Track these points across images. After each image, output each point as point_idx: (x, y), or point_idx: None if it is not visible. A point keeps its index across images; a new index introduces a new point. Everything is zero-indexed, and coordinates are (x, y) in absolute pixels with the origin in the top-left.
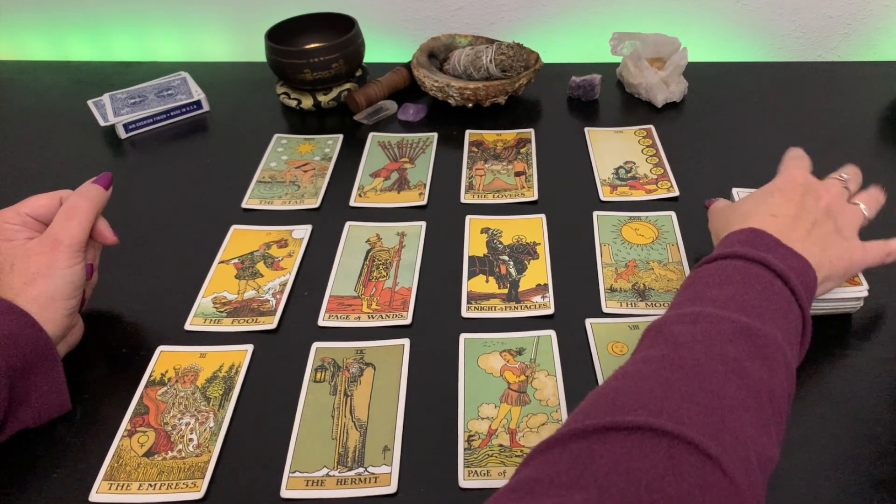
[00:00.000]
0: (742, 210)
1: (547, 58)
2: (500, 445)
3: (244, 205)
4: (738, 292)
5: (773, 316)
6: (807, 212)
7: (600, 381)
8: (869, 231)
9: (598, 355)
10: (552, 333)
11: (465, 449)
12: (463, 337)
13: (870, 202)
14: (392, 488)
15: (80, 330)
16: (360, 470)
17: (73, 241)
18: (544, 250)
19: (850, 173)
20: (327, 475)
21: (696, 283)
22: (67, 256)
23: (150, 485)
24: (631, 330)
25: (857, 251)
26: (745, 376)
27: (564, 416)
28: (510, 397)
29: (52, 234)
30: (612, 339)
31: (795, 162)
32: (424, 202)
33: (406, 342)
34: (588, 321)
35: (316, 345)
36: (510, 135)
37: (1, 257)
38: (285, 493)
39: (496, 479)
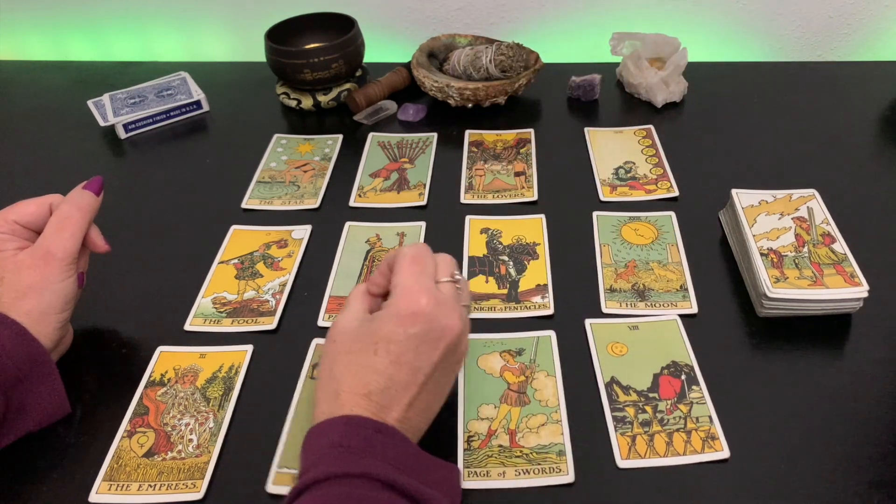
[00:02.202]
0: (334, 373)
1: (547, 58)
2: (500, 446)
3: (244, 205)
4: None
5: None
6: (417, 374)
7: (600, 381)
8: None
9: (597, 356)
10: (552, 334)
11: (464, 449)
12: None
13: (469, 296)
14: None
15: (70, 336)
16: None
17: (66, 255)
18: (544, 250)
19: (448, 264)
20: None
21: None
22: (60, 270)
23: (150, 485)
24: (631, 330)
25: (460, 364)
26: None
27: (564, 416)
28: (510, 398)
29: (44, 247)
30: (611, 340)
31: (410, 283)
32: (424, 202)
33: None
34: (588, 321)
35: (316, 341)
36: (510, 135)
37: None
38: (271, 489)
39: (496, 480)
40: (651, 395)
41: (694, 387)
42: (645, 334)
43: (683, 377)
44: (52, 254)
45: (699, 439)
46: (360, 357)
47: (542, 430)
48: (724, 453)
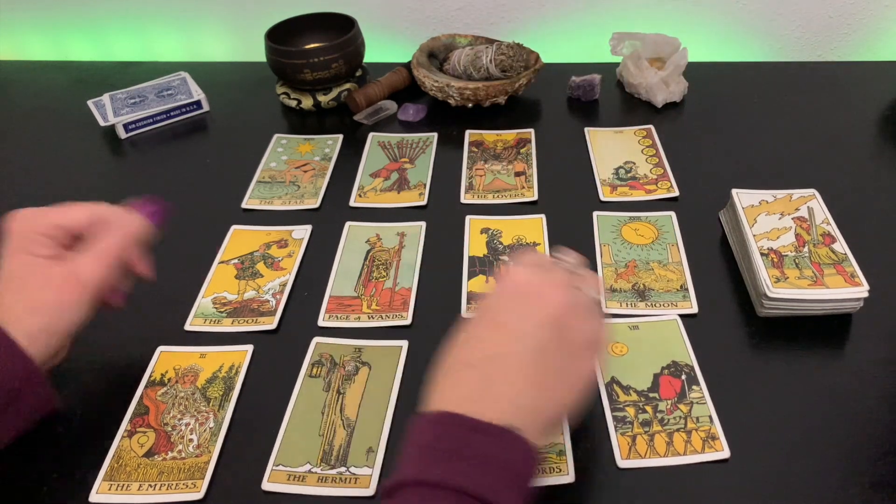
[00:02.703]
0: (446, 356)
1: (547, 58)
2: None
3: (244, 205)
4: None
5: None
6: (523, 340)
7: (600, 381)
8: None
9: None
10: None
11: None
12: None
13: (594, 281)
14: (370, 491)
15: (66, 350)
16: (342, 469)
17: (96, 287)
18: (544, 250)
19: (573, 257)
20: (309, 471)
21: None
22: (83, 298)
23: (150, 485)
24: (631, 330)
25: (589, 362)
26: None
27: (565, 425)
28: None
29: (77, 272)
30: (612, 340)
31: (512, 266)
32: (424, 202)
33: (404, 343)
34: None
35: (316, 339)
36: (510, 135)
37: (14, 271)
38: (266, 486)
39: None
40: (651, 394)
41: (694, 387)
42: (645, 334)
43: (684, 377)
44: (84, 284)
45: (699, 439)
46: (468, 332)
47: None
48: (725, 453)
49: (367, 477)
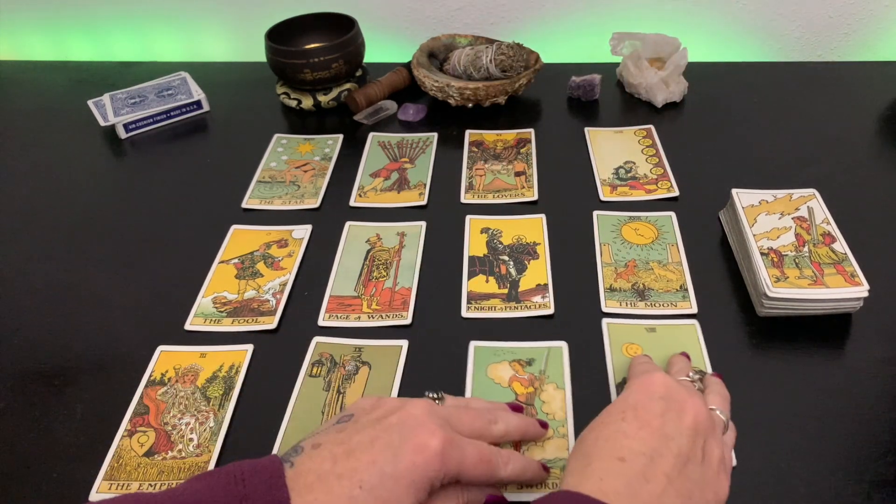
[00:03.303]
0: (585, 449)
1: (547, 58)
2: None
3: (244, 205)
4: None
5: None
6: (668, 443)
7: (611, 384)
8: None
9: (611, 356)
10: (563, 345)
11: None
12: (473, 345)
13: (724, 405)
14: None
15: None
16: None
17: None
18: (544, 250)
19: (696, 370)
20: None
21: None
22: None
23: (150, 485)
24: (647, 332)
25: (724, 484)
26: None
27: (571, 430)
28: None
29: None
30: (626, 341)
31: (646, 366)
32: (424, 202)
33: (405, 343)
34: (605, 321)
35: (316, 339)
36: (510, 135)
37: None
38: None
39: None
40: None
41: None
42: (661, 337)
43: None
44: None
45: None
46: (610, 426)
47: (548, 444)
48: (733, 461)
49: None
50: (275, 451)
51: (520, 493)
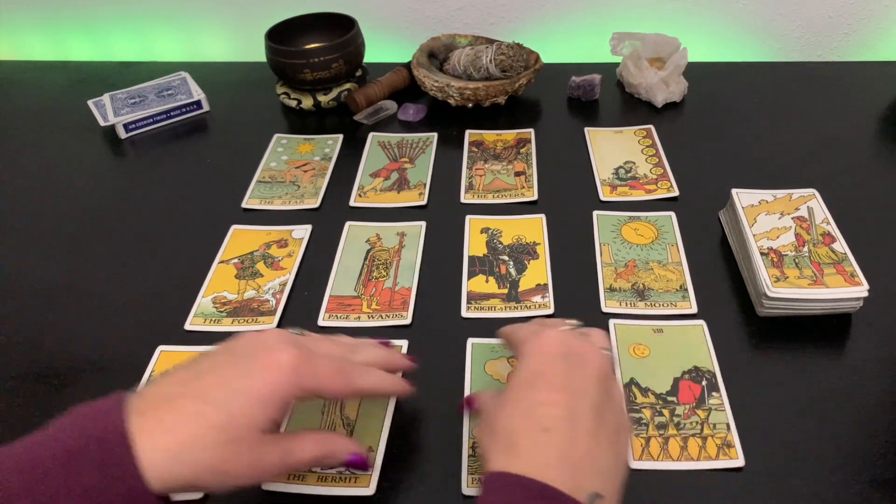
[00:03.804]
0: (504, 427)
1: (547, 58)
2: None
3: (244, 205)
4: None
5: None
6: (582, 398)
7: (617, 380)
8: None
9: (618, 356)
10: None
11: (469, 456)
12: (470, 342)
13: (607, 343)
14: (371, 490)
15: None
16: (343, 469)
17: (289, 467)
18: (544, 250)
19: (571, 322)
20: (310, 470)
21: None
22: (270, 475)
23: None
24: (655, 333)
25: (626, 419)
26: None
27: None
28: None
29: (287, 450)
30: (634, 341)
31: (527, 329)
32: (424, 202)
33: (405, 343)
34: (612, 322)
35: None
36: (510, 135)
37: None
38: (266, 485)
39: None
40: (670, 398)
41: (714, 393)
42: (669, 338)
43: (704, 383)
44: (287, 463)
45: (714, 446)
46: (523, 399)
47: None
48: (739, 461)
49: (367, 476)
50: None
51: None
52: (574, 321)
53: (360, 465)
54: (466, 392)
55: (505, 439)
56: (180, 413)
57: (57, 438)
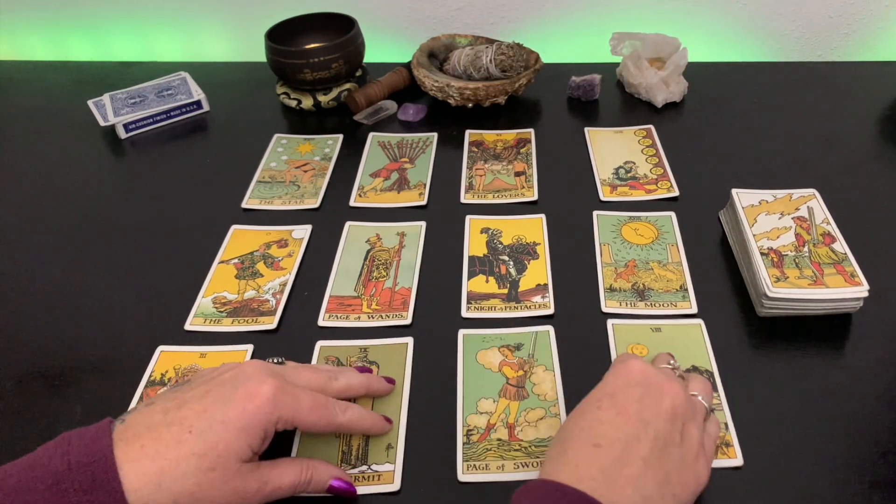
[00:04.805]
0: (562, 436)
1: (547, 58)
2: (499, 439)
3: (244, 205)
4: None
5: None
6: (646, 427)
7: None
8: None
9: (617, 355)
10: (550, 329)
11: (463, 443)
12: (461, 332)
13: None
14: (395, 486)
15: None
16: (364, 468)
17: (268, 495)
18: (544, 250)
19: (675, 360)
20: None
21: None
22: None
23: None
24: (653, 332)
25: (704, 469)
26: None
27: (562, 410)
28: (508, 392)
29: (266, 478)
30: (633, 341)
31: (624, 356)
32: (424, 202)
33: (410, 340)
34: (610, 322)
35: (320, 343)
36: (510, 135)
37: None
38: None
39: (495, 473)
40: None
41: (713, 393)
42: (667, 337)
43: None
44: (264, 490)
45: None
46: (587, 415)
47: (541, 423)
48: (738, 461)
49: (391, 473)
50: (275, 454)
51: None
52: (679, 365)
53: (345, 492)
54: (459, 383)
55: (559, 447)
56: (163, 441)
57: (45, 463)
